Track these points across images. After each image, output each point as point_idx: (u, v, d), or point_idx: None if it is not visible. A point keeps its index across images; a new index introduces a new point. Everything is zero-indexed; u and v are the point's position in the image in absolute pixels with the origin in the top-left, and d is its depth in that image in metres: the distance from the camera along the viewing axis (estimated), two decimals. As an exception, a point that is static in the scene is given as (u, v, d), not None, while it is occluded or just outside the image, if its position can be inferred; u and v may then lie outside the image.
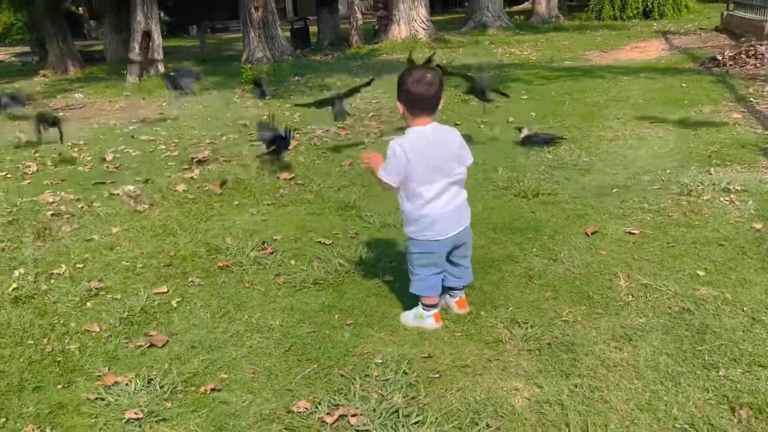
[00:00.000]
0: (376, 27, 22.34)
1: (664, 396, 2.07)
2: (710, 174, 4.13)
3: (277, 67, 12.37)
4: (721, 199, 3.67)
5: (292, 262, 3.34)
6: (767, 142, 4.71)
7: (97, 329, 2.75)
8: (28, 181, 5.35)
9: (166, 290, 3.07)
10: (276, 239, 3.67)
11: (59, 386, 2.36)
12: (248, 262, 3.35)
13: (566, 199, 3.96)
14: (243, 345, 2.58)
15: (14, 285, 3.17)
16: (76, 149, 6.48)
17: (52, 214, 4.33)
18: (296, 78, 11.34)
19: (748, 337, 2.32)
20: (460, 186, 2.56)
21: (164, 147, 6.56)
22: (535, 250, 3.25)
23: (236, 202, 4.42)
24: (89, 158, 6.06)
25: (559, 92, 7.60)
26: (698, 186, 3.90)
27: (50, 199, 4.69)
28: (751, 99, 6.20)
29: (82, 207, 4.49)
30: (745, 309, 2.51)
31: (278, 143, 5.07)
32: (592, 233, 3.33)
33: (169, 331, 2.71)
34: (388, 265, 3.19)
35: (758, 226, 3.26)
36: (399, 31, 15.65)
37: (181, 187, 4.86)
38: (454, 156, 2.51)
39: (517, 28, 17.92)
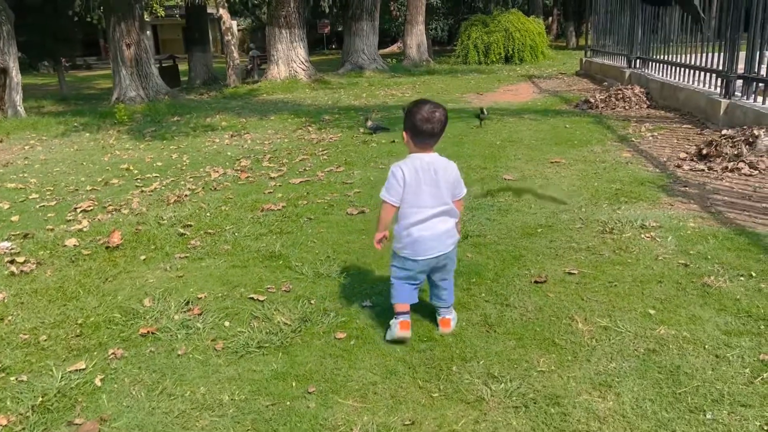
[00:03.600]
0: (249, 66, 22.08)
1: (664, 446, 2.02)
2: (621, 211, 4.31)
3: (152, 106, 11.72)
4: (643, 236, 3.82)
5: (227, 323, 3.01)
6: (661, 180, 5.04)
7: (5, 422, 2.27)
8: None
9: (83, 366, 2.63)
10: (200, 298, 3.31)
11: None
12: (175, 326, 2.98)
13: (496, 240, 3.95)
14: (193, 427, 2.24)
15: None
16: (-71, 200, 5.63)
17: None
18: (176, 118, 10.80)
19: (720, 376, 2.36)
20: (448, 215, 2.72)
21: (37, 196, 5.90)
22: (483, 295, 3.17)
23: (143, 257, 3.98)
24: (-51, 211, 5.27)
25: (454, 133, 7.76)
26: (616, 224, 4.05)
27: None
28: (632, 139, 6.68)
29: (-48, 270, 3.84)
30: (706, 347, 2.56)
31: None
32: (538, 282, 3.31)
33: (99, 417, 2.30)
34: (337, 321, 2.97)
35: (684, 261, 3.41)
36: (278, 71, 15.49)
37: (71, 242, 4.32)
38: (447, 186, 2.68)
39: (392, 71, 18.43)
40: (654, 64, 9.38)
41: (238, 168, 6.65)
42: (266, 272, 3.64)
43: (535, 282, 3.29)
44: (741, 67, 6.51)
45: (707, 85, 7.38)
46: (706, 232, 3.82)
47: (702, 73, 7.49)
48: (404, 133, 2.70)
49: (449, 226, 2.73)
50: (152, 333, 2.92)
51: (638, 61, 10.27)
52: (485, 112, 7.83)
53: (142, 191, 5.86)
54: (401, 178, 2.63)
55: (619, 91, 8.85)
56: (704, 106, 7.05)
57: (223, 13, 15.86)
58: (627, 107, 8.60)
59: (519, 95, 11.87)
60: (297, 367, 2.60)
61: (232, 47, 16.15)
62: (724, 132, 5.39)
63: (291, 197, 5.26)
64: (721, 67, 6.82)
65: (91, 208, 5.35)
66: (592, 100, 9.01)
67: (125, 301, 3.29)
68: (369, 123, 7.93)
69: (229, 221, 4.68)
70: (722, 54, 6.78)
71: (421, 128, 2.61)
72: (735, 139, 5.18)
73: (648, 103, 8.63)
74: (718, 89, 6.99)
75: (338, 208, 4.87)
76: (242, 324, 2.99)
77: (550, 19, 35.93)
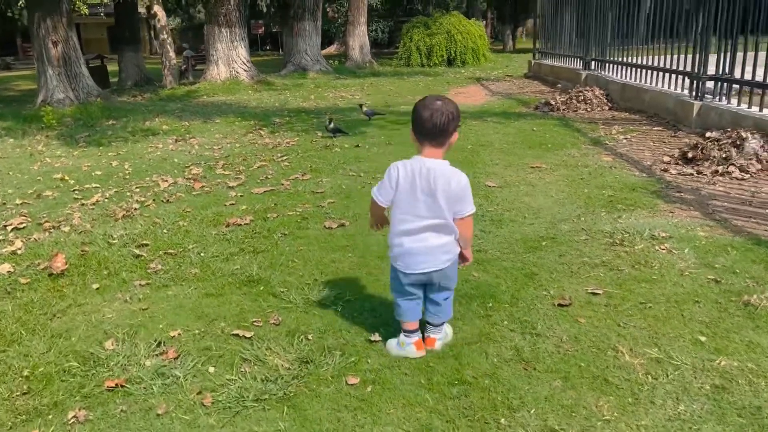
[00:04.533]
0: (183, 67, 21.10)
1: None
2: (623, 220, 4.04)
3: (84, 109, 10.82)
4: (657, 248, 3.53)
5: (211, 369, 2.50)
6: (652, 185, 4.81)
7: None
8: None
9: (37, 437, 2.08)
10: (174, 336, 2.78)
11: None
12: (148, 375, 2.45)
13: (499, 255, 3.58)
14: None
15: None
16: None
17: None
18: (111, 122, 9.99)
19: (809, 417, 2.05)
20: (444, 231, 2.43)
21: (-42, 211, 5.13)
22: (506, 323, 2.79)
23: (95, 285, 3.40)
24: None
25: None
26: (624, 234, 3.76)
27: None
28: (606, 141, 6.49)
29: None
30: (779, 380, 2.26)
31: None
32: (562, 305, 2.95)
33: None
34: (345, 362, 2.51)
35: (713, 276, 3.13)
36: (218, 72, 14.76)
37: (4, 268, 3.68)
38: (447, 199, 2.37)
39: (336, 72, 17.96)
40: (613, 65, 9.28)
41: (190, 176, 6.05)
42: (247, 301, 3.14)
43: (559, 305, 2.93)
44: (711, 69, 6.42)
45: (674, 87, 7.29)
46: (721, 242, 3.57)
47: (669, 75, 7.40)
48: (411, 133, 2.45)
49: (444, 241, 2.44)
50: (121, 386, 2.38)
51: (594, 62, 10.20)
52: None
53: (83, 204, 5.20)
54: (395, 179, 2.39)
55: (579, 93, 8.71)
56: (673, 108, 6.95)
57: (158, 9, 14.98)
58: (589, 109, 8.46)
59: (473, 98, 11.64)
60: (309, 425, 2.14)
61: (168, 46, 15.26)
62: (708, 134, 5.23)
63: (257, 209, 4.74)
64: (690, 69, 6.72)
65: (24, 225, 4.67)
66: (552, 102, 8.84)
67: (81, 344, 2.72)
68: (331, 125, 7.46)
69: (190, 239, 4.13)
70: (692, 56, 6.68)
71: (423, 126, 2.35)
72: (721, 142, 5.01)
73: (609, 104, 8.53)
74: (687, 91, 6.90)
75: (314, 221, 4.40)
76: (230, 369, 2.49)
77: (485, 22, 36.31)
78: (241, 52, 14.89)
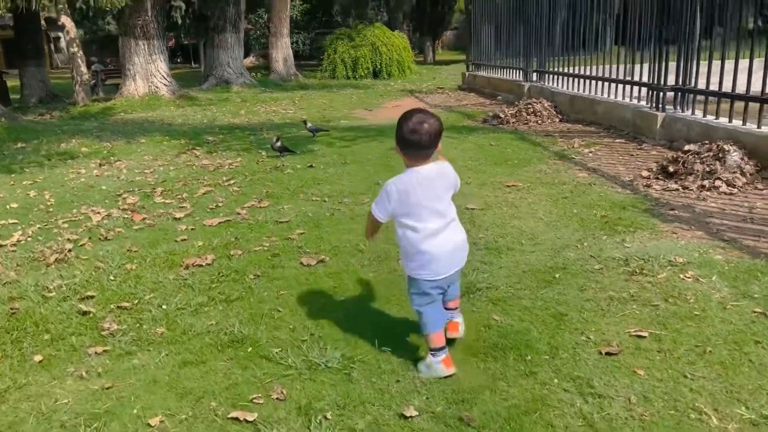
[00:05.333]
0: (92, 82, 19.76)
1: None
2: (630, 245, 3.74)
3: (-13, 131, 9.69)
4: (681, 276, 3.24)
5: (215, 472, 1.95)
6: (641, 203, 4.57)
7: None
8: None
9: None
10: (154, 426, 2.19)
11: None
12: (133, 490, 1.87)
13: (513, 292, 3.18)
14: None
15: None
16: None
17: None
18: (20, 145, 8.97)
19: None
20: (456, 221, 2.51)
21: None
22: (556, 381, 2.38)
23: (37, 357, 2.73)
24: None
25: (375, 154, 6.97)
26: (639, 262, 3.45)
27: None
28: (572, 156, 6.28)
29: None
30: None
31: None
32: (610, 354, 2.57)
33: None
34: (385, 448, 2.02)
35: (759, 309, 2.85)
36: (136, 87, 13.79)
37: None
38: (449, 191, 2.48)
39: (262, 86, 17.27)
40: (560, 77, 9.18)
41: (126, 207, 5.34)
42: (236, 369, 2.58)
43: (608, 354, 2.55)
44: (671, 80, 6.35)
45: (628, 98, 7.22)
46: (744, 266, 3.33)
47: (623, 86, 7.32)
48: (396, 147, 2.46)
49: (463, 237, 2.53)
50: None
51: (537, 74, 10.11)
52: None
53: (1, 246, 4.41)
54: (395, 199, 2.40)
55: (529, 105, 8.55)
56: (632, 119, 6.85)
57: (66, 21, 13.82)
58: (539, 122, 8.30)
59: (412, 110, 11.31)
60: None
61: (80, 60, 14.10)
62: (687, 147, 5.07)
63: (216, 245, 4.15)
64: (648, 80, 6.64)
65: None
66: (502, 115, 8.63)
67: (33, 448, 2.09)
68: (278, 143, 6.90)
69: (145, 286, 3.50)
70: (650, 65, 6.60)
71: (409, 140, 2.36)
72: (702, 156, 4.86)
73: (560, 116, 8.40)
74: (644, 102, 6.82)
75: (287, 258, 3.86)
76: (241, 472, 1.95)
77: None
78: (161, 65, 13.97)
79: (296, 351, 2.67)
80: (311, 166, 6.49)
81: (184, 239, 4.34)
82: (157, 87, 13.85)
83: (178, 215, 4.96)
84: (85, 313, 3.16)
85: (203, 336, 2.87)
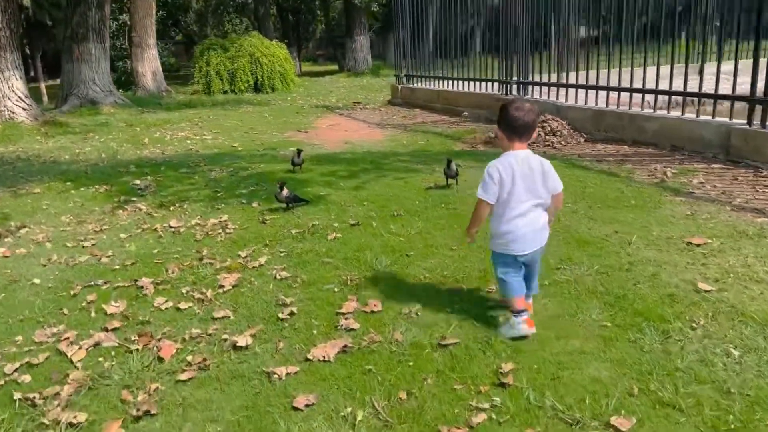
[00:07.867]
0: None
1: None
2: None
3: None
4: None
5: None
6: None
7: None
8: None
9: None
10: None
11: None
12: None
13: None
14: None
15: None
16: None
17: None
18: None
19: None
20: (542, 208, 2.72)
21: None
22: None
23: None
24: None
25: (414, 197, 5.15)
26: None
27: None
28: (690, 189, 4.93)
29: None
30: None
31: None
32: None
33: None
34: None
35: None
36: (-19, 112, 10.53)
37: None
38: (542, 180, 2.66)
39: (138, 105, 14.41)
40: (571, 89, 7.71)
41: (117, 324, 3.10)
42: None
43: None
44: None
45: (700, 114, 6.08)
46: None
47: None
48: (498, 131, 2.74)
49: (545, 219, 2.74)
50: None
51: (519, 86, 8.79)
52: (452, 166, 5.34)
53: None
54: (497, 179, 2.64)
55: (545, 124, 7.17)
56: (718, 140, 5.70)
57: None
58: (563, 142, 6.96)
59: (360, 133, 9.53)
60: None
61: None
62: None
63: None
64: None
65: None
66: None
67: None
68: (284, 192, 4.85)
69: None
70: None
71: (516, 121, 2.64)
72: None
73: (584, 136, 7.12)
74: (733, 118, 5.70)
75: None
76: None
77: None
78: (16, 84, 10.82)
79: None
80: (357, 223, 4.52)
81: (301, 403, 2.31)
82: (12, 111, 10.66)
83: (237, 340, 2.86)
84: None
85: None
